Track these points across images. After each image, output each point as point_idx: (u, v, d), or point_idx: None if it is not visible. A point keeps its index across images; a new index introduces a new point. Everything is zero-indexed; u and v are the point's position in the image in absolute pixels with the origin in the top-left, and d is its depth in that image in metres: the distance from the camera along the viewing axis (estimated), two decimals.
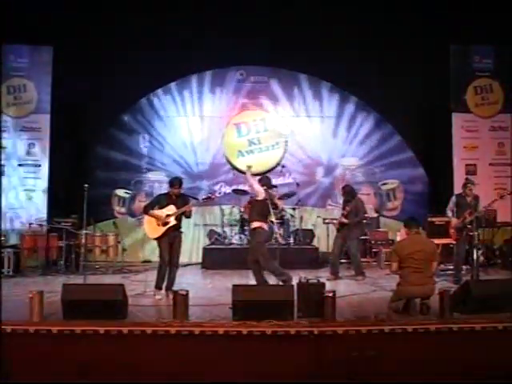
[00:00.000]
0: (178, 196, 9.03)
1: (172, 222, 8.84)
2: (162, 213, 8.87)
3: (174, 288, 8.21)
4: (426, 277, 7.30)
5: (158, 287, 8.87)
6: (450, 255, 10.62)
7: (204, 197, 9.34)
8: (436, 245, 7.96)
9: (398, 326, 6.55)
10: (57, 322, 6.76)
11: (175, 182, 9.08)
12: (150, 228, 8.94)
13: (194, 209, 9.52)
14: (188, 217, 9.14)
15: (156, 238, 8.93)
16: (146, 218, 9.02)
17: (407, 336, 6.46)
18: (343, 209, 10.88)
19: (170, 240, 8.89)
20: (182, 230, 9.14)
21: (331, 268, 10.78)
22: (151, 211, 8.94)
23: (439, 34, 12.88)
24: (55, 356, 6.35)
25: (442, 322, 6.72)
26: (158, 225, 8.84)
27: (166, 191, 9.33)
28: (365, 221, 11.70)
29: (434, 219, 11.85)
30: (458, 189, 12.69)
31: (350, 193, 10.96)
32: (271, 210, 9.05)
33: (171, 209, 8.85)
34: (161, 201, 9.06)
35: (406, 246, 7.44)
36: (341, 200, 11.37)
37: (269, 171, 14.20)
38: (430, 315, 7.13)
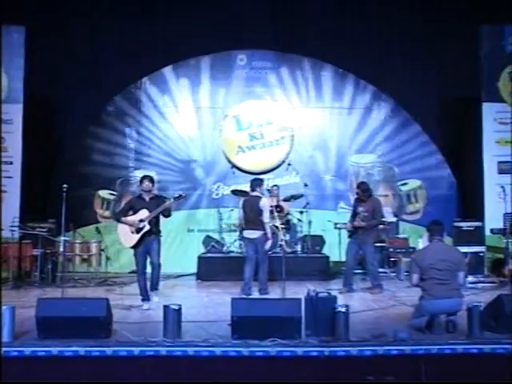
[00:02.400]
0: (152, 198, 9.27)
1: (146, 227, 9.02)
2: (134, 219, 9.06)
3: (166, 303, 8.17)
4: (452, 289, 7.28)
5: (143, 300, 9.15)
6: (480, 265, 10.60)
7: (176, 195, 9.44)
8: (463, 253, 7.94)
9: (420, 347, 6.53)
10: (30, 342, 6.71)
11: (144, 179, 9.33)
12: (124, 236, 9.19)
13: (187, 212, 9.61)
14: (167, 216, 9.33)
15: (132, 247, 9.13)
16: (120, 225, 9.25)
17: (431, 358, 6.43)
18: (354, 210, 10.84)
19: (147, 247, 9.11)
20: (175, 235, 9.22)
21: (344, 279, 10.77)
22: (123, 218, 9.17)
23: (468, 13, 12.86)
24: (28, 382, 6.32)
25: (471, 342, 6.69)
26: (132, 232, 9.04)
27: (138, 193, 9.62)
28: (382, 226, 11.67)
29: (461, 224, 11.83)
30: (488, 189, 12.71)
31: (366, 191, 10.86)
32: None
33: (144, 213, 9.05)
34: (133, 205, 9.28)
35: (427, 255, 7.42)
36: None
37: (273, 170, 14.24)
38: (457, 334, 7.10)
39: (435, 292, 7.23)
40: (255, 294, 10.03)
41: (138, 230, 8.99)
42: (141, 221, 8.99)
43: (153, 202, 9.18)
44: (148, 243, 9.10)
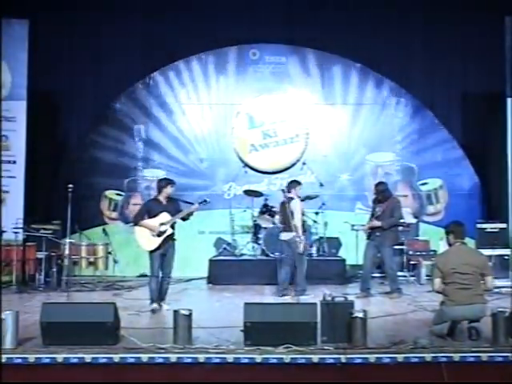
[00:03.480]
0: (168, 201, 9.45)
1: (168, 230, 9.23)
2: (155, 222, 9.23)
3: (176, 307, 8.20)
4: (475, 295, 7.23)
5: (152, 302, 9.30)
6: (505, 269, 10.54)
7: (200, 201, 9.69)
8: (487, 256, 7.90)
9: (441, 354, 6.50)
10: (34, 348, 6.73)
11: (167, 184, 9.49)
12: (144, 239, 9.31)
13: (197, 213, 9.71)
14: (186, 219, 9.51)
15: (153, 250, 9.24)
16: (138, 228, 9.36)
17: (453, 366, 6.40)
18: (373, 211, 10.82)
19: (164, 251, 9.30)
20: (185, 237, 9.29)
21: (361, 283, 10.77)
22: (142, 221, 9.30)
23: (491, 4, 12.79)
24: None
25: (496, 350, 6.66)
26: (153, 235, 9.20)
27: (153, 196, 9.84)
28: (401, 227, 11.63)
29: (484, 226, 11.77)
30: None
31: (384, 192, 10.84)
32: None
33: (165, 216, 9.24)
34: (150, 208, 9.42)
35: (449, 259, 7.37)
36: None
37: (287, 169, 14.20)
38: (480, 341, 7.07)
39: (457, 297, 7.18)
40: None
41: (160, 234, 9.18)
42: (162, 224, 9.17)
43: (170, 205, 9.40)
44: (166, 247, 9.29)
